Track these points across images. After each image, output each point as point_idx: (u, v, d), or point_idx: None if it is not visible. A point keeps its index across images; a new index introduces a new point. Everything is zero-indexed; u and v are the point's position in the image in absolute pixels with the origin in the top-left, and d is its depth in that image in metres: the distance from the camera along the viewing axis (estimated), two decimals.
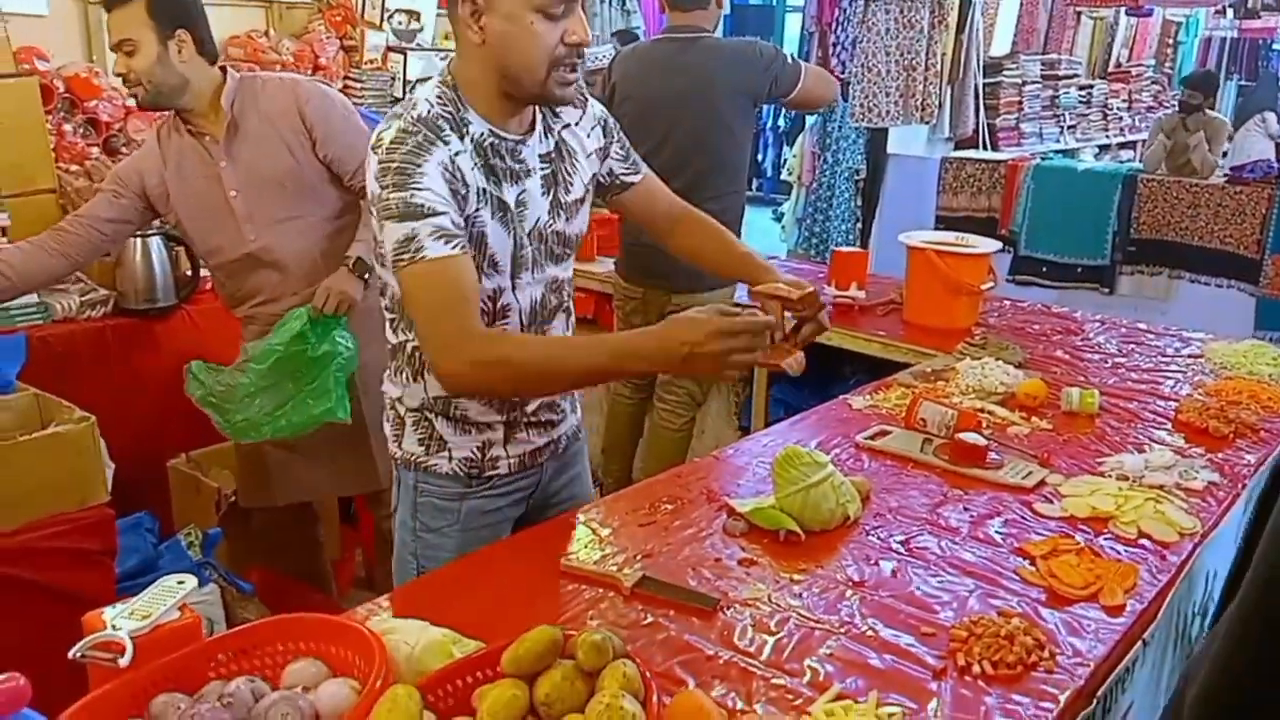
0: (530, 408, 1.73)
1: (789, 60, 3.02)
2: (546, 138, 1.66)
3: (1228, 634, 0.55)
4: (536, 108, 1.63)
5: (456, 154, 1.50)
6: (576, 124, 1.72)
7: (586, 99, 1.74)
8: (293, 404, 2.39)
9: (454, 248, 1.45)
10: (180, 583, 1.23)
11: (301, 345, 2.36)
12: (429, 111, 1.51)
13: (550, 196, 1.65)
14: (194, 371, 2.44)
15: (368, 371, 2.49)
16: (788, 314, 1.61)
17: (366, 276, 2.42)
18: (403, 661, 1.19)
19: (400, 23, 3.79)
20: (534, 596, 1.48)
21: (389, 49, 3.76)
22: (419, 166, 1.45)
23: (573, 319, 1.81)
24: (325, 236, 2.44)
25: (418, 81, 3.80)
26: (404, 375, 1.70)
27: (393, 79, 3.77)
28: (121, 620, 1.16)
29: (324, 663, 1.20)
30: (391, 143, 1.48)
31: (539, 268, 1.66)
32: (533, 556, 1.61)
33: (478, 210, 1.53)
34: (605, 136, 1.77)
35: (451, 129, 1.51)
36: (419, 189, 1.44)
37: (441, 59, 3.87)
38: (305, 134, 2.36)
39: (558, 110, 1.68)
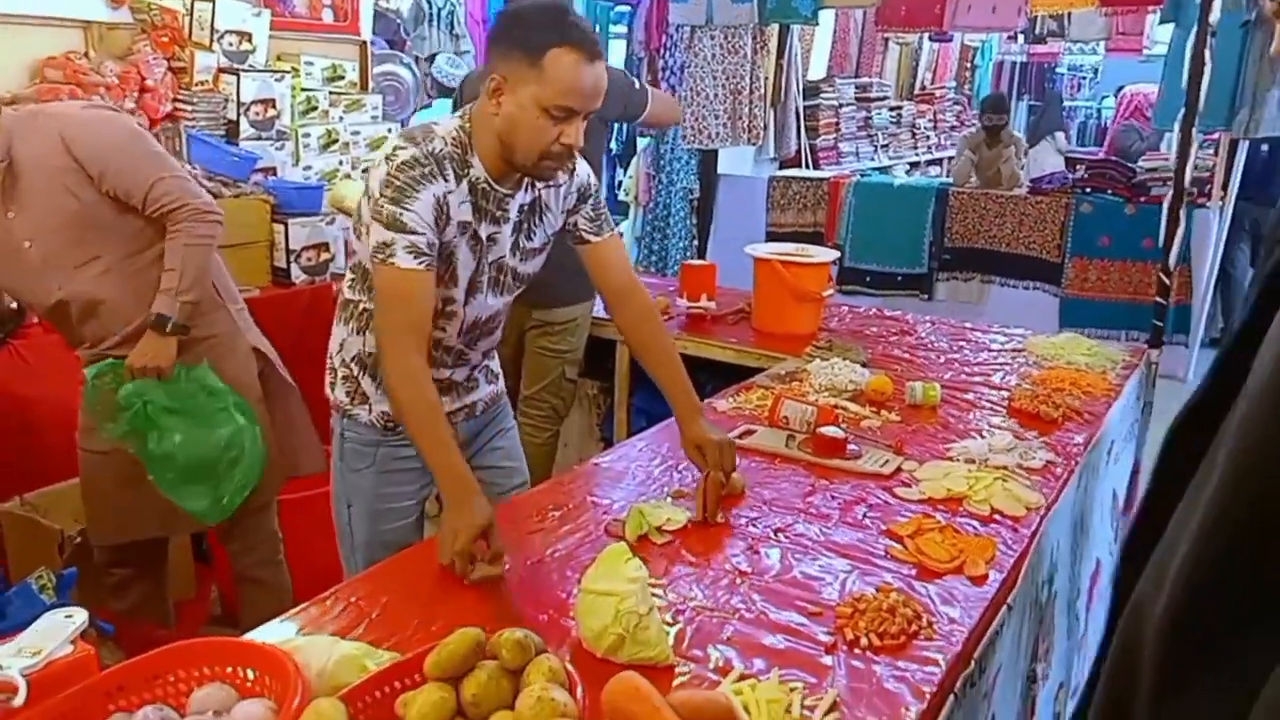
0: (440, 375, 1.93)
1: (636, 85, 3.12)
2: (529, 190, 1.88)
3: (1199, 535, 0.58)
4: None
5: (449, 192, 1.75)
6: (559, 186, 1.93)
7: (576, 168, 1.94)
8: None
9: (421, 263, 1.71)
10: (69, 616, 1.19)
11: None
12: (441, 149, 1.75)
13: (514, 239, 1.89)
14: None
15: None
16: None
17: (175, 330, 2.28)
18: (315, 678, 1.18)
19: (231, 44, 3.66)
20: (436, 603, 1.48)
21: (220, 70, 3.62)
22: (416, 193, 1.70)
23: (500, 330, 2.06)
24: (135, 274, 2.29)
25: (252, 103, 3.69)
26: (350, 327, 1.95)
27: (225, 101, 3.63)
28: (10, 659, 1.11)
29: (231, 687, 1.17)
30: (403, 163, 1.71)
31: (490, 295, 1.91)
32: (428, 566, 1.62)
33: (454, 238, 1.79)
34: (580, 200, 1.97)
35: (454, 169, 1.76)
36: (408, 210, 1.69)
37: (277, 80, 3.77)
38: (81, 172, 2.19)
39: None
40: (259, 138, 3.75)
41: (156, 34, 3.49)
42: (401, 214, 1.69)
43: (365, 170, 4.22)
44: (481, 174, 1.79)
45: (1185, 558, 0.58)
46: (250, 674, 1.18)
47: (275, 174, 3.77)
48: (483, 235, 1.83)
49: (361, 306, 1.91)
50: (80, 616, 1.18)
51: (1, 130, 2.20)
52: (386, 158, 1.73)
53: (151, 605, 2.68)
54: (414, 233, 1.69)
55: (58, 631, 1.15)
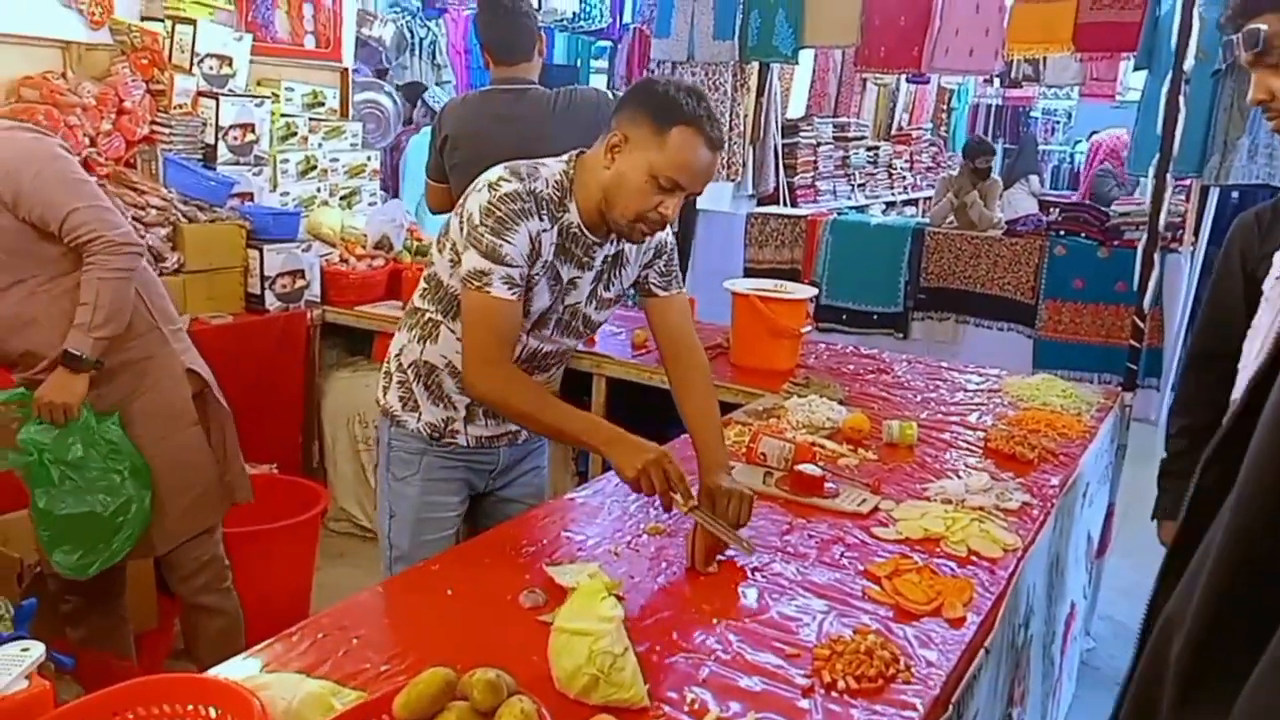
0: None
1: (612, 102, 3.12)
2: (615, 243, 1.93)
3: (1213, 572, 0.63)
4: None
5: (543, 231, 1.81)
6: (645, 251, 2.01)
7: (663, 240, 2.02)
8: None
9: (514, 294, 1.79)
10: (25, 650, 1.15)
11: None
12: (542, 190, 1.81)
13: (593, 288, 1.96)
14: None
15: (142, 427, 2.36)
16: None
17: (86, 366, 2.23)
18: (280, 717, 1.15)
19: (211, 67, 3.64)
20: (406, 642, 1.45)
21: (200, 94, 3.60)
22: (517, 226, 1.77)
23: (560, 370, 2.15)
24: (62, 295, 2.24)
25: (231, 128, 3.67)
26: (414, 334, 2.01)
27: (204, 125, 3.59)
28: None
29: None
30: (505, 195, 1.78)
31: (557, 332, 1.97)
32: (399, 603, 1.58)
33: (539, 275, 1.85)
34: (657, 256, 2.03)
35: (549, 211, 1.82)
36: (509, 243, 1.76)
37: (257, 105, 3.76)
38: None
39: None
40: (237, 162, 3.72)
41: (136, 56, 3.47)
42: (501, 246, 1.76)
43: (343, 197, 4.20)
44: (575, 219, 1.85)
45: (1205, 586, 0.61)
46: (212, 712, 1.14)
47: (252, 199, 3.75)
48: (564, 277, 1.89)
49: (428, 316, 1.97)
50: (36, 650, 1.14)
51: None
52: (490, 186, 1.80)
53: (110, 636, 2.62)
54: (511, 265, 1.77)
55: (12, 665, 1.11)
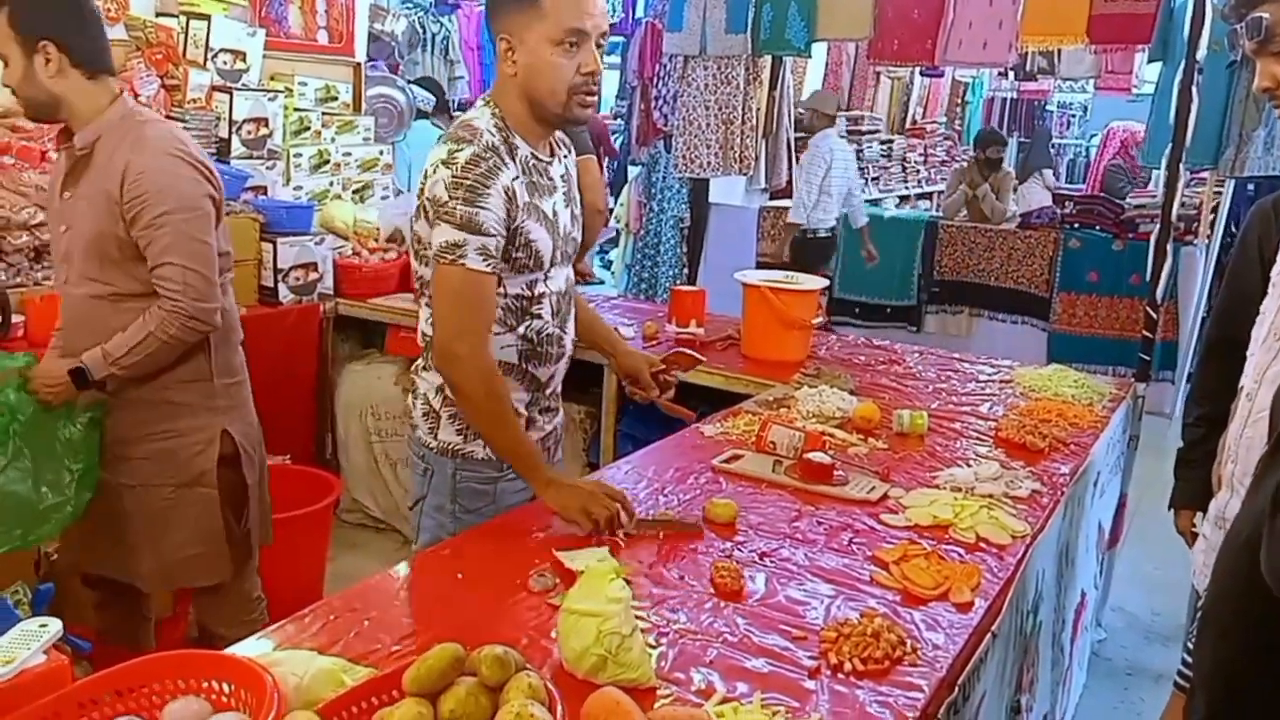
0: (547, 391, 1.99)
1: (595, 145, 3.14)
2: (562, 161, 1.94)
3: None
4: (552, 136, 1.90)
5: (514, 178, 1.76)
6: (567, 157, 1.99)
7: (572, 150, 2.02)
8: None
9: (489, 267, 1.74)
10: (43, 625, 1.17)
11: None
12: (492, 140, 1.76)
13: (569, 208, 1.94)
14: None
15: (140, 465, 2.31)
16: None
17: (90, 387, 2.18)
18: (292, 692, 1.16)
19: (225, 62, 3.68)
20: (416, 622, 1.46)
21: (214, 88, 3.64)
22: (488, 189, 1.71)
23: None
24: (123, 313, 2.20)
25: (244, 122, 3.70)
26: None
27: (218, 119, 3.64)
28: None
29: (205, 700, 1.15)
30: (467, 162, 1.72)
31: (563, 263, 1.94)
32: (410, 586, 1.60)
33: (524, 221, 1.78)
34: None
35: (508, 154, 1.77)
36: (483, 208, 1.71)
37: (270, 99, 3.78)
38: (119, 206, 2.13)
39: (565, 144, 1.98)
40: (250, 156, 3.75)
41: (150, 51, 3.50)
42: (477, 214, 1.70)
43: (356, 191, 4.23)
44: (527, 150, 1.82)
45: None
46: (226, 688, 1.16)
47: (265, 193, 3.77)
48: (549, 211, 1.84)
49: None
50: (54, 626, 1.16)
51: (102, 120, 2.16)
52: (445, 163, 1.73)
53: (130, 631, 2.62)
54: (487, 234, 1.72)
55: (30, 640, 1.13)
